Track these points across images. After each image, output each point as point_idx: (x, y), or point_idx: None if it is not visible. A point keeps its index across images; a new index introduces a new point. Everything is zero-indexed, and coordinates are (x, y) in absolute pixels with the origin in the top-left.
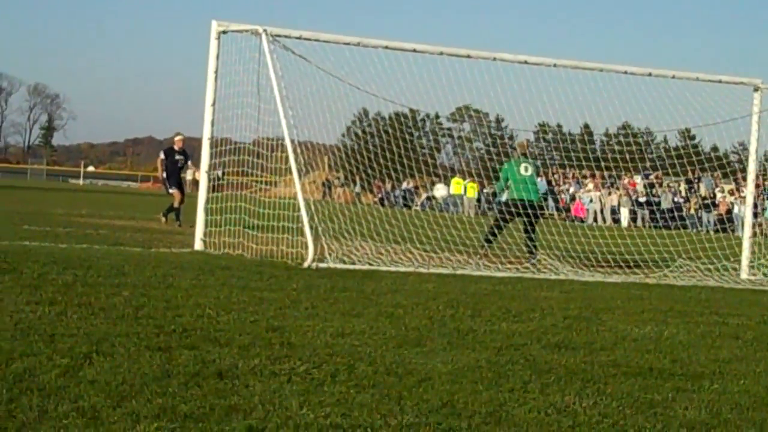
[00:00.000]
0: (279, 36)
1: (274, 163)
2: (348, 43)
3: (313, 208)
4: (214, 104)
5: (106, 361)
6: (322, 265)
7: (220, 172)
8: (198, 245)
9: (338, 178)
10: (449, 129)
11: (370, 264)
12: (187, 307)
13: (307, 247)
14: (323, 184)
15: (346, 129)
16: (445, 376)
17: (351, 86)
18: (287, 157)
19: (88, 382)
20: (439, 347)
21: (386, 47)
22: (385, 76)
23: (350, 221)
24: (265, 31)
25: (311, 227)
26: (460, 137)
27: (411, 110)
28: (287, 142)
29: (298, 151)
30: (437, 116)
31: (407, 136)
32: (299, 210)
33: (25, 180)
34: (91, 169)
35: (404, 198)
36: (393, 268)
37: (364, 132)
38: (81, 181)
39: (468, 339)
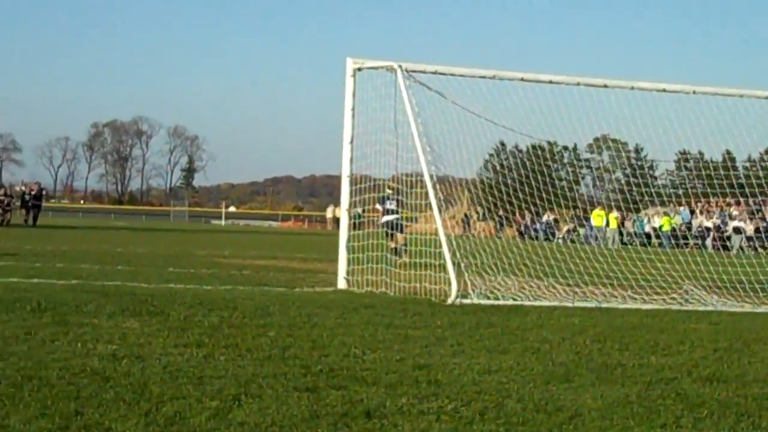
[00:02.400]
0: (414, 71)
1: (414, 200)
2: (483, 77)
3: (455, 243)
4: (352, 141)
5: (254, 402)
6: (465, 301)
7: (360, 210)
8: (341, 284)
9: (477, 212)
10: (588, 160)
11: (514, 299)
12: (332, 347)
13: (450, 283)
14: (463, 219)
15: (483, 162)
16: (595, 412)
17: (487, 121)
18: (426, 193)
19: (237, 424)
20: (587, 382)
21: (522, 79)
22: (522, 108)
23: (492, 256)
24: (400, 66)
25: (454, 263)
26: (599, 168)
27: (548, 142)
28: (426, 178)
29: (437, 186)
30: (575, 147)
31: (545, 169)
32: (441, 246)
33: (167, 222)
34: (232, 209)
35: (545, 231)
36: (537, 303)
37: (501, 165)
38: (223, 222)
39: (617, 373)
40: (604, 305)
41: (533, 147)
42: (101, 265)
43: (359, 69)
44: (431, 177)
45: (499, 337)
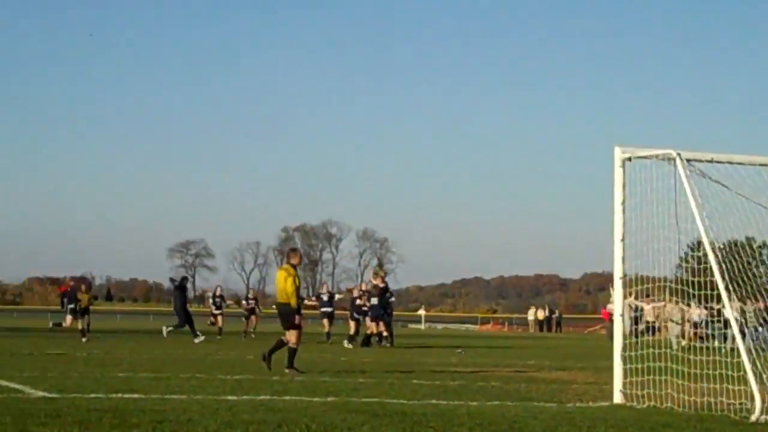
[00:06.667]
0: (692, 160)
1: (700, 303)
2: (764, 165)
3: (754, 352)
4: (623, 239)
5: None
6: None
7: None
8: (617, 398)
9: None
10: None
11: None
12: None
13: (752, 397)
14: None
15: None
16: None
17: None
18: (717, 294)
19: None
20: None
21: None
22: None
23: None
24: (679, 155)
25: (755, 374)
26: None
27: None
28: (717, 277)
29: (731, 287)
30: None
31: None
32: (740, 355)
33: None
34: (421, 312)
35: None
36: None
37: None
38: (422, 326)
39: None
40: None
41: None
42: (340, 376)
43: (629, 159)
44: (723, 276)
45: None
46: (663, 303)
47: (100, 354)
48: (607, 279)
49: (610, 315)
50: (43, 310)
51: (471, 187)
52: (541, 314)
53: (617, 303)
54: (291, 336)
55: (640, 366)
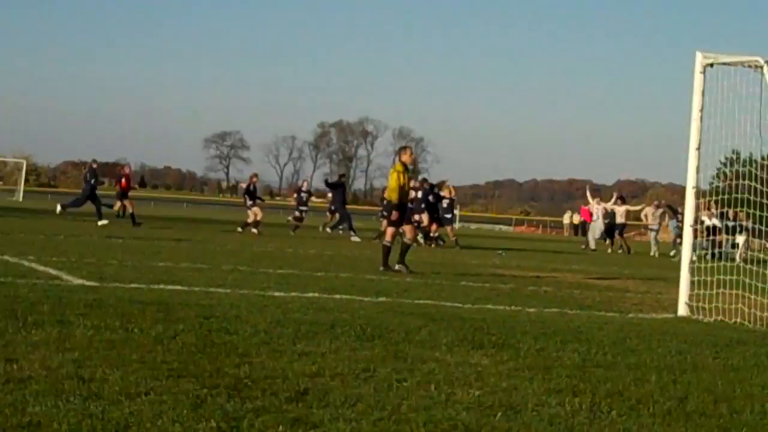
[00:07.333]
0: None
1: None
2: None
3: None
4: (699, 148)
5: None
6: None
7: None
8: (682, 310)
9: None
10: None
11: None
12: (737, 398)
13: None
14: None
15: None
16: None
17: None
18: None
19: None
20: None
21: None
22: None
23: None
24: (767, 62)
25: None
26: None
27: None
28: None
29: None
30: None
31: None
32: None
33: None
34: (455, 212)
35: None
36: None
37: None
38: (456, 225)
39: None
40: None
41: None
42: (387, 275)
43: (710, 65)
44: None
45: None
46: (640, 207)
47: (137, 241)
48: (639, 186)
49: (590, 214)
50: (77, 193)
51: (509, 90)
52: (577, 219)
53: (688, 214)
54: (388, 233)
55: (708, 279)
